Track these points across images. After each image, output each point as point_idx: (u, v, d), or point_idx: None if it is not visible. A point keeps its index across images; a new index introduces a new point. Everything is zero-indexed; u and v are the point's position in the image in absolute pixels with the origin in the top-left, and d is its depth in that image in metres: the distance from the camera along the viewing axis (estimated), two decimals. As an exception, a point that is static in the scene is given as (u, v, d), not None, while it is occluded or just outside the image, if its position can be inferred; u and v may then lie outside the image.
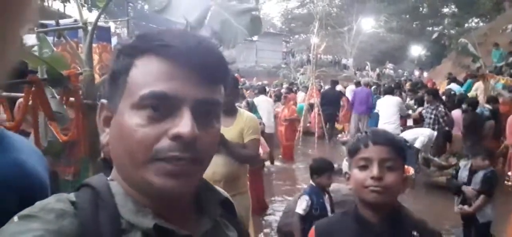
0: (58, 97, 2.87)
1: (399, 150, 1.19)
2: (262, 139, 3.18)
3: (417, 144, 5.98)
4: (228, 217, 0.72)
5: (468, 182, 3.57)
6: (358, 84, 12.30)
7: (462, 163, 3.90)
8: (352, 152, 1.22)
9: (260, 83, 13.75)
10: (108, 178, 0.63)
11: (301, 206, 2.80)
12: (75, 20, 4.18)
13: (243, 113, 2.59)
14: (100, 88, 3.41)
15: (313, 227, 1.26)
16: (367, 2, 29.55)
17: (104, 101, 0.64)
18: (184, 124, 0.55)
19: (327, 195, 2.93)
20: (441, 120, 6.37)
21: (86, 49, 2.85)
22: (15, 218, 0.53)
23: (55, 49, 3.30)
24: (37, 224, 0.51)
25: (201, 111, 0.58)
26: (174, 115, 0.56)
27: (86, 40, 2.83)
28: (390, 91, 7.60)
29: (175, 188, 0.57)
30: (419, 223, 1.26)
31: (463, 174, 3.68)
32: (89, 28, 2.87)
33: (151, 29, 0.63)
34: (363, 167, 1.17)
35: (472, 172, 3.56)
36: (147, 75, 0.57)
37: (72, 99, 2.85)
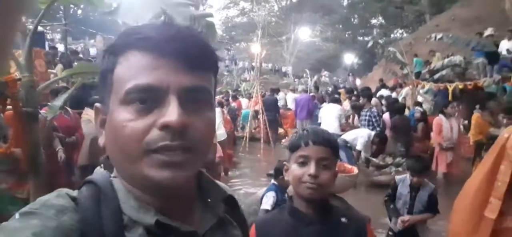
0: (-7, 105, 2.63)
1: (335, 150, 1.31)
2: (217, 145, 3.19)
3: (359, 146, 6.34)
4: (232, 214, 0.72)
5: (412, 200, 3.35)
6: (293, 91, 12.89)
7: (397, 177, 3.53)
8: (293, 148, 1.31)
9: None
10: (111, 175, 0.62)
11: (268, 202, 2.90)
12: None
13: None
14: (40, 96, 3.18)
15: (253, 224, 1.33)
16: (303, 13, 30.80)
17: (98, 104, 0.64)
18: (170, 113, 0.54)
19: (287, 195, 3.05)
20: (373, 120, 6.78)
21: (25, 53, 2.65)
22: (16, 215, 0.52)
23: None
24: (37, 220, 0.51)
25: (189, 99, 0.57)
26: (161, 105, 0.56)
27: (26, 44, 2.63)
28: (335, 100, 8.02)
29: (171, 179, 0.55)
30: (347, 211, 1.40)
31: (404, 191, 3.42)
32: (28, 32, 2.67)
33: (131, 26, 0.62)
34: (302, 164, 1.27)
35: (413, 188, 3.35)
36: (131, 69, 0.57)
37: (10, 107, 2.63)
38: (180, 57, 0.57)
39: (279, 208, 1.41)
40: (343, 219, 1.29)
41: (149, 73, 0.56)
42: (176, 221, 0.59)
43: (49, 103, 3.41)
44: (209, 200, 0.68)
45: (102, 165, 0.69)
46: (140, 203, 0.59)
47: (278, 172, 3.07)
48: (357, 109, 7.84)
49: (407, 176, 3.42)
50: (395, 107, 7.42)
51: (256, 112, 8.60)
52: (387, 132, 7.04)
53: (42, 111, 3.69)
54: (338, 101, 7.94)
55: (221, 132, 6.74)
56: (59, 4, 2.67)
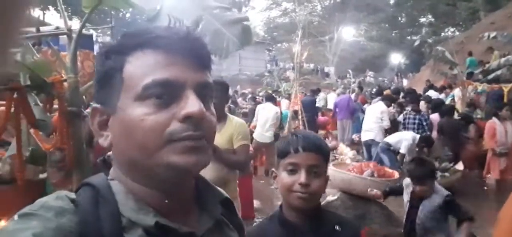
0: (41, 104, 2.80)
1: (325, 156, 1.25)
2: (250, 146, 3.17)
3: (403, 149, 6.06)
4: (228, 216, 0.73)
5: (413, 210, 2.78)
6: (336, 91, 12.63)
7: (405, 181, 2.97)
8: (282, 154, 1.24)
9: (249, 90, 13.79)
10: (108, 178, 0.63)
11: None
12: (57, 27, 4.11)
13: (233, 118, 2.59)
14: (85, 96, 3.35)
15: None
16: (347, 12, 30.14)
17: (96, 105, 0.64)
18: (192, 104, 0.58)
19: None
20: (424, 124, 6.47)
21: (71, 55, 2.79)
22: (15, 216, 0.53)
23: (37, 55, 3.23)
24: (36, 221, 0.52)
25: (201, 94, 0.61)
26: (178, 99, 0.59)
27: (71, 47, 2.78)
28: (382, 98, 7.46)
29: (195, 163, 0.58)
30: (340, 218, 1.34)
31: (405, 199, 2.97)
32: (74, 34, 2.82)
33: (135, 29, 0.65)
34: (291, 171, 1.21)
35: (415, 199, 2.77)
36: (145, 66, 0.59)
37: (56, 106, 2.79)
38: (192, 55, 0.61)
39: (268, 218, 1.34)
40: (337, 227, 1.22)
41: (165, 69, 0.59)
42: (175, 223, 0.59)
43: (92, 103, 3.58)
44: (205, 202, 0.69)
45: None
46: (139, 205, 0.59)
47: None
48: (401, 108, 7.51)
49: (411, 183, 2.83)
50: (444, 109, 7.05)
51: (295, 113, 8.52)
52: (434, 135, 6.70)
53: (87, 111, 3.89)
54: (384, 100, 7.31)
55: (269, 134, 6.70)
56: (102, 7, 2.79)
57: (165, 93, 0.58)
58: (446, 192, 2.68)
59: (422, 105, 8.40)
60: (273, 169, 1.32)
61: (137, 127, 0.58)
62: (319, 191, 1.21)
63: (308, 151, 1.20)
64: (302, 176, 1.18)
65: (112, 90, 0.61)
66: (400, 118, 7.09)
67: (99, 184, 0.60)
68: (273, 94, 9.66)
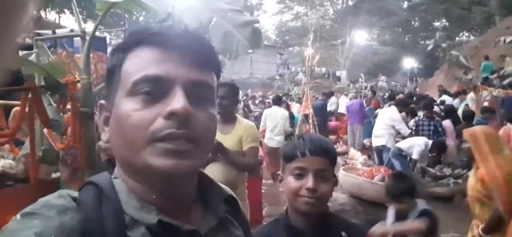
0: (55, 104, 2.85)
1: (333, 160, 1.22)
2: (259, 148, 3.17)
3: (415, 155, 5.96)
4: (233, 214, 0.72)
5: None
6: (348, 95, 12.52)
7: (390, 211, 2.50)
8: (288, 158, 1.21)
9: (260, 93, 13.78)
10: (112, 176, 0.63)
11: None
12: (72, 30, 4.18)
13: (242, 121, 2.60)
14: (98, 97, 3.39)
15: None
16: (360, 16, 29.96)
17: (102, 101, 0.66)
18: (176, 101, 0.56)
19: None
20: (439, 130, 6.36)
21: (84, 57, 2.84)
22: (18, 216, 0.53)
23: (52, 56, 3.29)
24: (38, 220, 0.51)
25: (193, 93, 0.59)
26: (166, 96, 0.57)
27: (84, 49, 2.82)
28: (394, 103, 7.27)
29: (175, 167, 0.56)
30: (346, 223, 1.30)
31: (389, 222, 2.50)
32: (87, 37, 2.87)
33: (139, 27, 0.65)
34: (298, 176, 1.17)
35: (399, 217, 2.45)
36: (139, 63, 0.59)
37: (69, 106, 2.83)
38: (187, 53, 0.59)
39: (273, 222, 1.30)
40: (343, 233, 1.19)
41: (157, 65, 0.58)
42: (178, 221, 0.59)
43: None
44: (209, 201, 0.68)
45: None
46: (142, 203, 0.59)
47: None
48: (412, 113, 7.39)
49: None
50: (465, 114, 6.98)
51: (306, 116, 8.49)
52: (448, 141, 6.60)
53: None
54: (397, 105, 7.05)
55: (279, 139, 6.64)
56: (115, 9, 2.83)
57: (154, 90, 0.57)
58: (425, 206, 2.40)
59: (437, 111, 8.28)
60: (279, 172, 1.28)
61: (125, 123, 0.58)
62: (326, 196, 1.18)
63: (315, 155, 1.16)
64: (309, 181, 1.14)
65: (113, 86, 0.62)
66: (412, 123, 6.97)
67: (102, 182, 0.60)
68: (283, 97, 9.64)
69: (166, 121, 0.56)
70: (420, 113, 7.14)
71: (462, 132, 6.56)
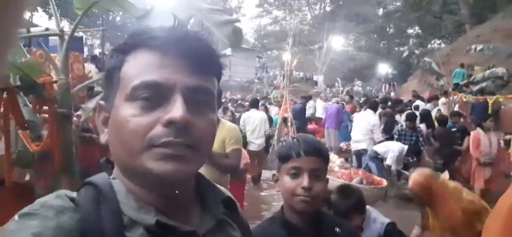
0: (30, 105, 2.76)
1: (326, 159, 1.28)
2: (244, 152, 3.18)
3: (388, 161, 6.09)
4: (231, 216, 0.72)
5: None
6: (325, 99, 12.72)
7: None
8: (283, 159, 1.26)
9: (239, 96, 13.78)
10: (110, 177, 0.63)
11: None
12: (47, 29, 4.06)
13: (225, 123, 2.60)
14: (75, 98, 3.31)
15: None
16: (337, 22, 30.49)
17: (101, 102, 0.65)
18: (175, 109, 0.56)
19: None
20: (421, 139, 6.47)
21: (62, 57, 2.77)
22: (16, 216, 0.52)
23: (28, 55, 3.19)
24: (36, 221, 0.51)
25: (193, 99, 0.58)
26: (166, 102, 0.57)
27: (63, 48, 2.76)
28: (372, 107, 7.28)
29: (173, 172, 0.56)
30: (339, 220, 1.38)
31: None
32: (66, 36, 2.80)
33: (140, 27, 0.64)
34: (294, 175, 1.22)
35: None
36: (138, 67, 0.58)
37: (45, 107, 2.75)
38: (187, 58, 0.59)
39: (269, 220, 1.36)
40: (337, 229, 1.26)
41: (156, 71, 0.57)
42: (176, 222, 0.59)
43: (82, 105, 3.55)
44: (207, 202, 0.68)
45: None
46: (140, 203, 0.59)
47: None
48: (387, 118, 7.55)
49: None
50: (440, 119, 7.26)
51: (284, 120, 8.56)
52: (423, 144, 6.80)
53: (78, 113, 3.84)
54: (372, 109, 7.16)
55: (259, 142, 6.66)
56: (95, 9, 2.77)
57: (153, 96, 0.57)
58: (386, 220, 2.30)
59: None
60: (274, 172, 1.32)
61: (123, 128, 0.58)
62: (320, 194, 1.24)
63: (310, 155, 1.21)
64: (305, 180, 1.19)
65: (112, 88, 0.62)
66: (395, 130, 7.03)
67: (101, 183, 0.60)
68: (262, 101, 9.65)
69: (164, 129, 0.56)
70: (402, 122, 7.28)
71: (440, 136, 6.71)
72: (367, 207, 2.24)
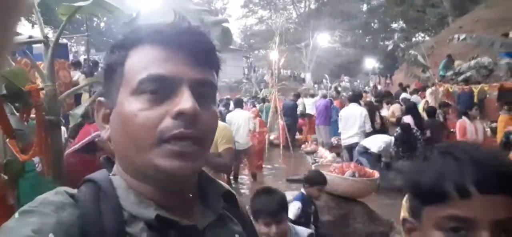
0: (18, 113, 2.72)
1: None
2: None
3: (373, 149, 6.14)
4: (231, 210, 0.72)
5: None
6: (312, 96, 12.79)
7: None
8: (430, 199, 0.68)
9: (228, 96, 13.81)
10: (110, 174, 0.63)
11: (292, 211, 2.82)
12: (30, 36, 4.00)
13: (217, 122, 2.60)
14: (62, 106, 3.26)
15: None
16: (322, 19, 30.69)
17: (101, 98, 0.65)
18: (185, 101, 0.56)
19: (313, 207, 3.02)
20: (417, 143, 6.53)
21: (48, 63, 2.73)
22: (16, 214, 0.53)
23: (13, 63, 3.14)
24: (35, 218, 0.51)
25: (198, 92, 0.59)
26: (173, 95, 0.57)
27: (48, 55, 2.72)
28: (355, 100, 7.11)
29: (181, 169, 0.56)
30: None
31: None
32: (51, 43, 2.76)
33: (142, 24, 0.64)
34: (455, 231, 0.65)
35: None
36: (143, 61, 0.59)
37: (33, 115, 2.71)
38: (191, 51, 0.59)
39: None
40: None
41: (162, 64, 0.58)
42: (176, 216, 0.59)
43: (70, 112, 3.51)
44: (208, 196, 0.68)
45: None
46: (140, 198, 0.59)
47: (307, 181, 3.06)
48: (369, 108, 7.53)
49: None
50: (430, 110, 7.38)
51: (277, 110, 8.65)
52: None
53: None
54: (356, 101, 7.05)
55: (243, 141, 6.66)
56: (80, 14, 2.74)
57: (160, 89, 0.57)
58: (308, 231, 2.19)
59: (397, 107, 8.61)
60: (407, 217, 0.76)
61: (130, 122, 0.57)
62: None
63: (492, 193, 0.64)
64: None
65: (114, 83, 0.61)
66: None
67: (100, 179, 0.60)
68: (252, 100, 9.66)
69: (174, 121, 0.56)
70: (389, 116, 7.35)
71: (432, 127, 6.78)
72: (288, 223, 2.04)
